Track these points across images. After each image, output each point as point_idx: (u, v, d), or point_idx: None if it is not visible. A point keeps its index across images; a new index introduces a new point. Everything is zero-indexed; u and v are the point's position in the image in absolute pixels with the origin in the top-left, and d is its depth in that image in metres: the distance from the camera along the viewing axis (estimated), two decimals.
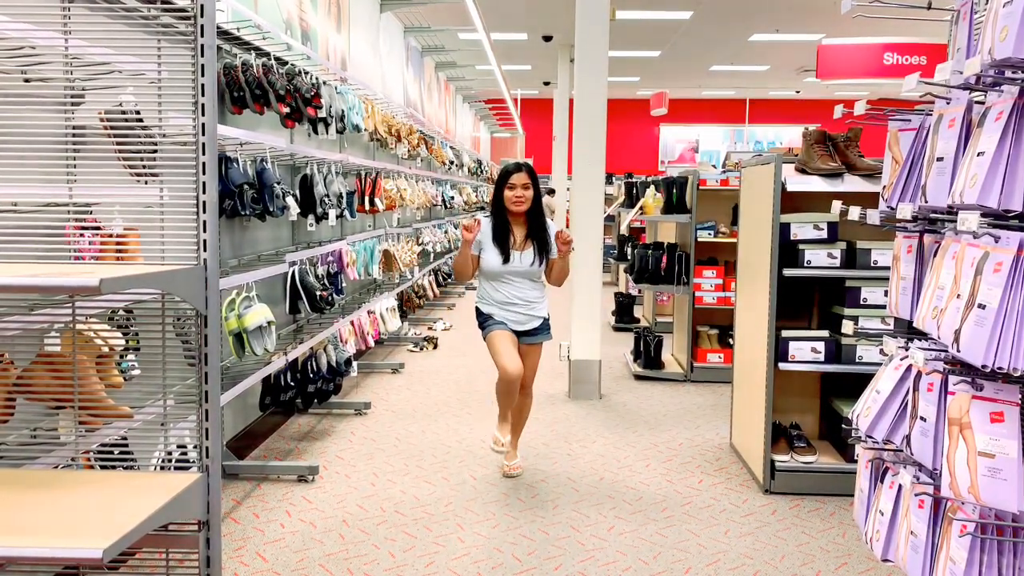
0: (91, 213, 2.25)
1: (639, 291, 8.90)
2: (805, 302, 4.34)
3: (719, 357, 6.40)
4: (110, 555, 1.46)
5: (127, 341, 2.31)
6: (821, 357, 3.95)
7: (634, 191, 7.97)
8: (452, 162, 10.80)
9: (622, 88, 19.54)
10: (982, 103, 1.82)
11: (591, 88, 5.80)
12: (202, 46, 1.85)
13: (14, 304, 2.06)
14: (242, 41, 4.05)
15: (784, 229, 3.89)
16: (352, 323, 5.51)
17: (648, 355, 6.52)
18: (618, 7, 9.71)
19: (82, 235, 2.18)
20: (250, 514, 3.68)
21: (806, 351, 3.95)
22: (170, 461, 2.07)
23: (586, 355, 5.89)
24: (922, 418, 1.92)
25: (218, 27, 3.70)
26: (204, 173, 1.87)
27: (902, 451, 2.08)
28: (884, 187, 2.27)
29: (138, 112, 2.31)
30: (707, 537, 3.50)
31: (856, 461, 2.38)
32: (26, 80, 2.16)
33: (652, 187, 7.04)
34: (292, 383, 4.65)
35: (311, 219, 4.81)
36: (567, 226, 10.98)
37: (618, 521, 3.66)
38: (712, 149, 22.32)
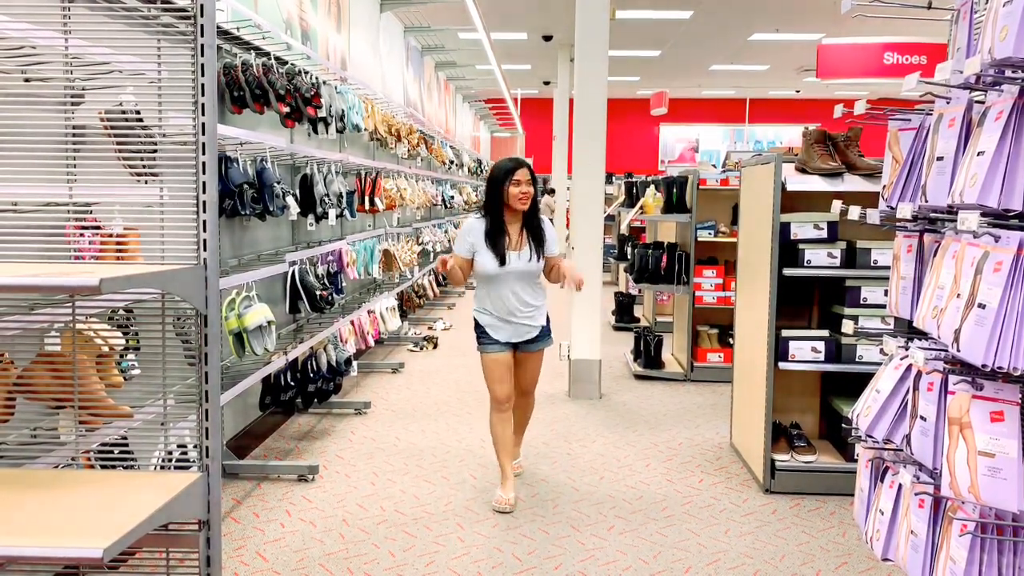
0: (91, 213, 2.25)
1: (639, 291, 8.90)
2: (805, 302, 4.34)
3: (719, 357, 6.41)
4: (110, 555, 1.46)
5: (127, 341, 2.31)
6: (821, 356, 3.95)
7: (634, 191, 7.97)
8: (452, 162, 10.80)
9: (622, 88, 19.53)
10: (982, 102, 1.82)
11: (591, 88, 5.80)
12: (202, 46, 1.85)
13: (14, 304, 2.06)
14: (242, 41, 4.05)
15: (784, 229, 3.89)
16: (352, 323, 5.51)
17: (648, 355, 6.52)
18: (618, 6, 9.72)
19: (82, 235, 2.18)
20: (250, 513, 3.68)
21: (806, 350, 3.95)
22: (170, 461, 2.07)
23: (586, 355, 5.89)
24: (922, 417, 1.92)
25: (218, 27, 3.70)
26: (204, 173, 1.87)
27: (902, 450, 2.08)
28: (884, 187, 2.27)
29: (138, 112, 2.31)
30: (707, 536, 3.50)
31: (856, 460, 2.38)
32: (26, 80, 2.16)
33: (652, 187, 7.04)
34: (292, 383, 4.65)
35: (311, 219, 4.81)
36: (567, 226, 10.98)
37: (618, 520, 3.66)
38: (712, 149, 22.32)
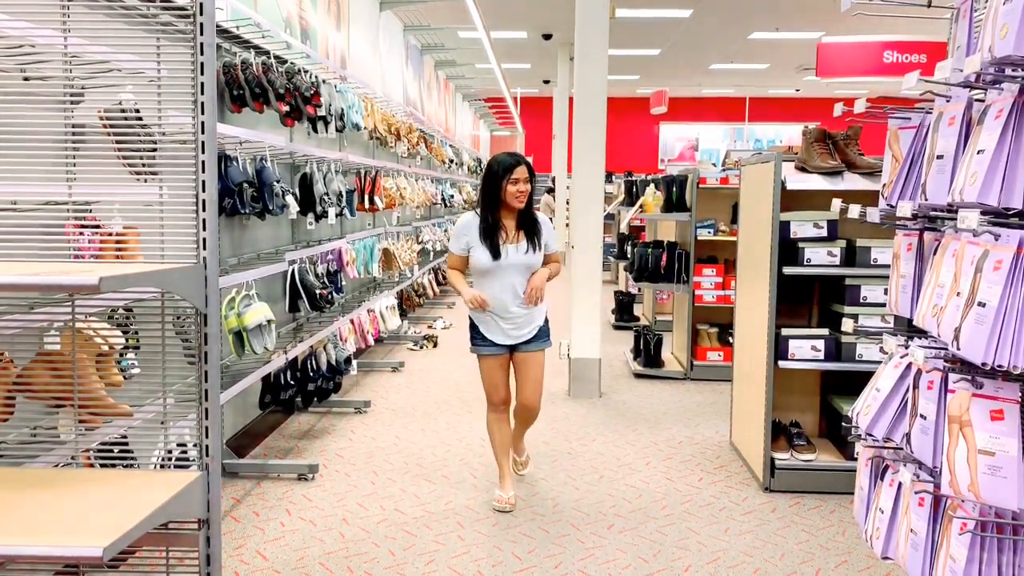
0: (91, 211, 2.25)
1: (639, 289, 8.91)
2: (805, 300, 4.34)
3: (719, 355, 6.41)
4: (110, 554, 1.46)
5: (127, 339, 2.31)
6: (821, 355, 3.95)
7: (634, 189, 7.97)
8: (452, 160, 10.79)
9: (622, 86, 19.53)
10: (982, 101, 1.82)
11: (591, 86, 5.80)
12: (201, 44, 1.84)
13: (14, 303, 2.06)
14: (242, 39, 4.05)
15: (784, 227, 3.89)
16: (352, 321, 5.51)
17: (648, 353, 6.52)
18: (618, 5, 9.69)
19: (81, 233, 2.18)
20: (250, 512, 3.68)
21: (806, 349, 3.95)
22: (170, 459, 2.07)
23: (586, 353, 5.89)
24: (922, 416, 1.92)
25: (217, 25, 3.69)
26: (204, 171, 1.87)
27: (902, 449, 2.08)
28: (884, 185, 2.27)
29: (137, 110, 2.31)
30: (707, 535, 3.50)
31: (856, 459, 2.38)
32: (25, 78, 2.16)
33: (652, 185, 7.04)
34: (292, 381, 4.65)
35: (311, 217, 4.81)
36: (567, 225, 10.97)
37: (618, 519, 3.66)
38: (712, 147, 22.33)
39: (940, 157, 1.94)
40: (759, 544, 3.42)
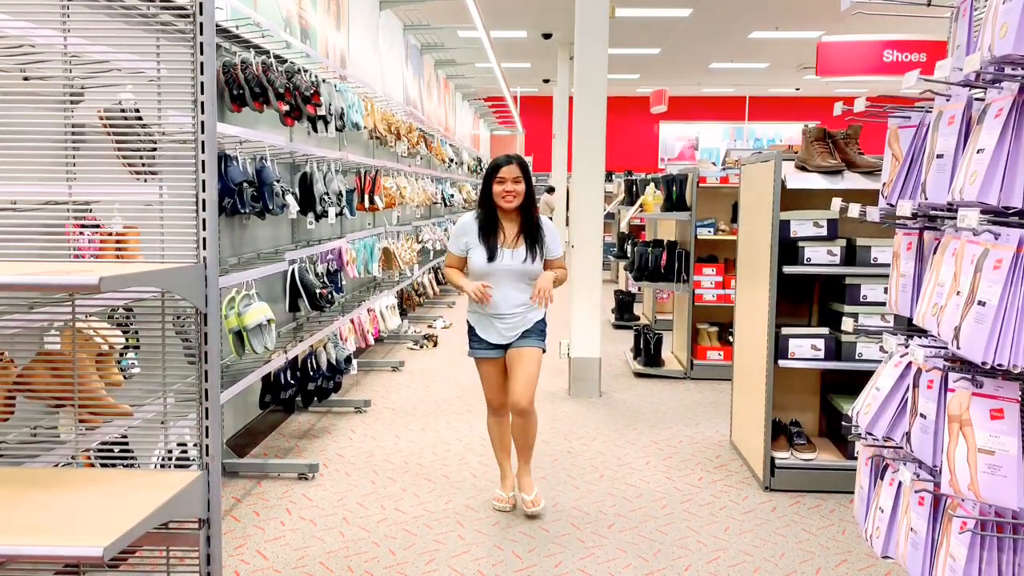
0: (91, 211, 2.25)
1: (639, 289, 8.91)
2: (805, 299, 4.34)
3: (719, 354, 6.41)
4: (110, 553, 1.46)
5: (127, 339, 2.31)
6: (821, 354, 3.95)
7: (634, 189, 7.97)
8: (452, 160, 10.79)
9: (622, 85, 19.52)
10: (982, 100, 1.82)
11: (591, 85, 5.80)
12: (201, 44, 1.84)
13: (14, 302, 2.06)
14: (241, 39, 4.05)
15: (784, 226, 3.89)
16: (352, 321, 5.51)
17: (648, 353, 6.52)
18: (618, 4, 9.68)
19: (81, 233, 2.18)
20: (250, 512, 3.69)
21: (806, 348, 3.95)
22: (170, 459, 2.07)
23: (586, 353, 5.89)
24: (922, 415, 1.92)
25: (217, 25, 3.69)
26: (203, 171, 1.87)
27: (902, 448, 2.08)
28: (884, 184, 2.27)
29: (137, 110, 2.31)
30: (707, 534, 3.51)
31: (856, 458, 2.38)
32: (25, 78, 2.16)
33: (652, 185, 7.04)
34: (292, 381, 4.65)
35: (311, 217, 4.81)
36: (567, 224, 10.97)
37: (618, 518, 3.67)
38: (712, 146, 22.32)
39: (940, 156, 1.94)
40: (759, 543, 3.42)
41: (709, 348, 6.45)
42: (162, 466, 2.08)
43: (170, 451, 2.09)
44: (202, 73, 1.85)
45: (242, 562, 3.19)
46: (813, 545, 3.41)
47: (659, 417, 5.35)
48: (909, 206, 2.07)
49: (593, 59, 5.78)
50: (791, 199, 3.92)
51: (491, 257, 3.52)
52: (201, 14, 1.84)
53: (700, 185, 6.38)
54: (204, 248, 1.89)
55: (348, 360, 5.19)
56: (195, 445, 1.95)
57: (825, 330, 4.01)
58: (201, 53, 1.84)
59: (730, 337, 5.34)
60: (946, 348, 1.86)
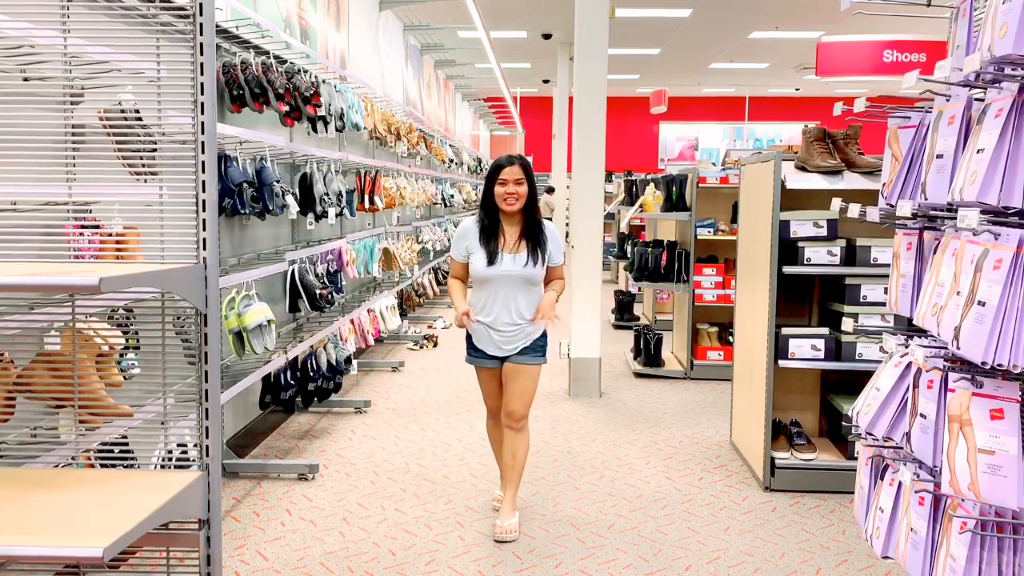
0: (91, 212, 2.25)
1: (639, 289, 8.91)
2: (805, 299, 4.34)
3: (719, 355, 6.41)
4: (110, 554, 1.46)
5: (127, 340, 2.31)
6: (821, 354, 3.95)
7: (634, 189, 7.97)
8: (452, 160, 10.79)
9: (622, 86, 19.52)
10: (982, 100, 1.82)
11: (591, 86, 5.80)
12: (201, 44, 1.84)
13: (14, 303, 2.06)
14: (241, 39, 4.05)
15: (784, 227, 3.89)
16: (352, 321, 5.51)
17: (648, 353, 6.52)
18: (617, 5, 9.68)
19: (82, 234, 2.18)
20: (250, 512, 3.69)
21: (806, 348, 3.95)
22: (170, 460, 2.07)
23: (586, 353, 5.89)
24: (922, 415, 1.92)
25: (217, 25, 3.69)
26: (203, 172, 1.87)
27: (902, 448, 2.08)
28: (884, 184, 2.27)
29: (137, 111, 2.31)
30: (707, 534, 3.51)
31: (856, 458, 2.38)
32: (25, 79, 2.16)
33: (652, 185, 7.04)
34: (292, 381, 4.65)
35: (311, 217, 4.81)
36: (567, 224, 10.97)
37: (618, 519, 3.67)
38: (712, 147, 22.31)
39: (940, 156, 1.94)
40: (759, 543, 3.42)
41: (709, 348, 6.45)
42: (162, 467, 2.08)
43: (170, 452, 2.09)
44: (202, 74, 1.85)
45: (242, 563, 3.19)
46: (813, 545, 3.41)
47: (659, 417, 5.35)
48: (909, 206, 2.07)
49: (593, 59, 5.78)
50: (791, 199, 3.92)
51: (491, 261, 3.43)
52: (201, 15, 1.84)
53: (700, 185, 6.38)
54: (204, 248, 1.89)
55: (348, 360, 5.20)
56: (195, 446, 1.95)
57: (825, 330, 4.01)
58: (201, 54, 1.84)
59: (730, 337, 5.34)
60: (946, 348, 1.86)
